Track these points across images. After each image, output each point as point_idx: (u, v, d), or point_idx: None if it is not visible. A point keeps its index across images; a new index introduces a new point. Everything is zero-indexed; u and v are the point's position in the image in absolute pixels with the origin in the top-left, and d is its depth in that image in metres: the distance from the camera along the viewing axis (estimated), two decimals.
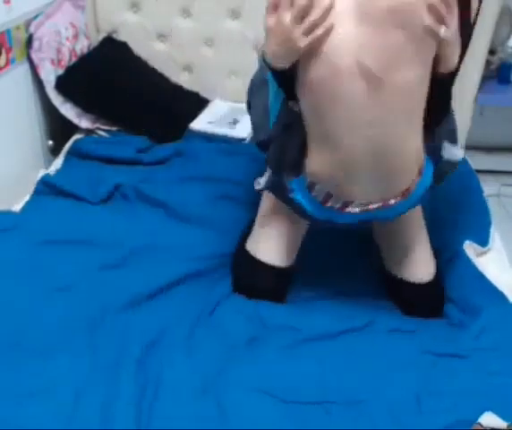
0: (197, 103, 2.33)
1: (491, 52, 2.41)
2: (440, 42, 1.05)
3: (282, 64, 1.10)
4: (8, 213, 1.65)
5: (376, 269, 1.51)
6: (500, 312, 1.36)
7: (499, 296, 1.42)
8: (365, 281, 1.51)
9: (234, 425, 1.06)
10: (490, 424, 1.04)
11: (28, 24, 1.97)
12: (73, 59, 2.19)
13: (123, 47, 2.30)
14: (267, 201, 1.44)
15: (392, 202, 1.20)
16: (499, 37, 2.41)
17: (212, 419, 1.07)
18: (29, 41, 1.97)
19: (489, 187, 2.24)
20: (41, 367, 1.14)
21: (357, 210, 1.21)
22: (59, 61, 2.11)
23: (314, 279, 1.49)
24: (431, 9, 1.00)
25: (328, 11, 1.01)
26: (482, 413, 1.06)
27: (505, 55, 2.52)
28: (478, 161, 2.32)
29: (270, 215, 1.42)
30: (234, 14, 2.24)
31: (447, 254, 1.55)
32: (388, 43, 1.02)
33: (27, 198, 1.76)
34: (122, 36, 2.32)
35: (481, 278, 1.48)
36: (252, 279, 1.42)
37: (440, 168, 1.28)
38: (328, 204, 1.22)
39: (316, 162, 1.19)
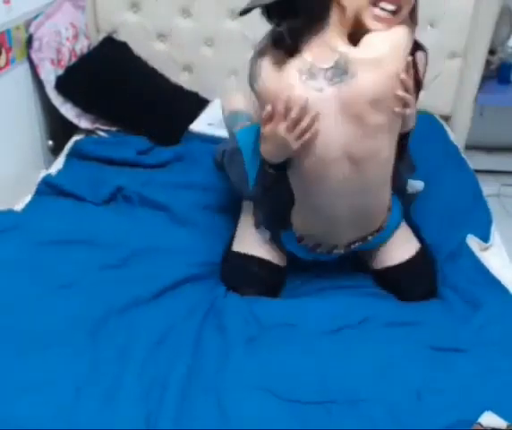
0: (197, 103, 2.33)
1: (491, 52, 2.41)
2: (403, 116, 1.27)
3: (276, 160, 1.31)
4: (9, 213, 1.65)
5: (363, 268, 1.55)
6: (503, 306, 1.37)
7: (502, 289, 1.42)
8: (359, 275, 1.53)
9: (235, 425, 1.06)
10: (490, 423, 1.04)
11: (28, 24, 1.97)
12: (73, 59, 2.20)
13: (123, 47, 2.30)
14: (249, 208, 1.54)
15: (370, 238, 1.44)
16: (499, 37, 2.41)
17: (213, 418, 1.07)
18: (29, 41, 1.97)
19: (489, 187, 2.25)
20: (44, 362, 1.15)
21: (342, 251, 1.45)
22: (59, 61, 2.11)
23: (307, 274, 1.52)
24: (399, 99, 1.22)
25: (314, 119, 1.21)
26: (482, 412, 1.06)
27: (505, 55, 2.51)
28: (478, 161, 2.33)
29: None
30: (234, 14, 2.24)
31: (449, 247, 1.56)
32: (369, 129, 1.22)
33: (28, 198, 1.77)
34: (122, 36, 2.32)
35: (484, 270, 1.48)
36: (243, 274, 1.46)
37: (406, 200, 1.52)
38: (317, 251, 1.45)
39: (303, 223, 1.40)
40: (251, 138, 1.44)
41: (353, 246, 1.45)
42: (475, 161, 2.15)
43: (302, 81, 1.20)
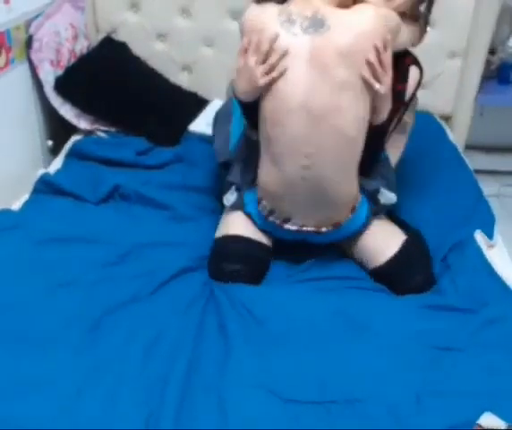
0: (196, 103, 2.33)
1: (491, 52, 2.41)
2: (374, 95, 1.30)
3: (247, 98, 1.36)
4: (7, 212, 1.65)
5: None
6: (504, 306, 1.36)
7: (505, 289, 1.41)
8: (352, 267, 1.53)
9: (235, 425, 1.06)
10: (489, 424, 1.04)
11: (28, 24, 1.97)
12: (73, 60, 2.19)
13: (123, 48, 2.30)
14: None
15: (323, 230, 1.44)
16: (499, 37, 2.41)
17: (214, 418, 1.07)
18: (29, 42, 1.97)
19: (489, 187, 2.24)
20: (43, 362, 1.15)
21: (294, 228, 1.45)
22: (58, 62, 2.11)
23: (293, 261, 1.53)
24: (369, 65, 1.26)
25: (282, 56, 1.27)
26: (481, 413, 1.06)
27: (505, 55, 2.51)
28: (478, 161, 2.33)
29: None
30: (234, 14, 2.24)
31: (455, 238, 1.56)
32: (333, 83, 1.26)
33: (26, 197, 1.76)
34: (121, 36, 2.32)
35: (489, 268, 1.48)
36: (228, 251, 1.48)
37: (378, 209, 1.52)
38: (271, 219, 1.46)
39: (265, 176, 1.42)
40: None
41: (305, 229, 1.44)
42: (475, 161, 2.15)
43: (280, 22, 1.28)
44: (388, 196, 1.51)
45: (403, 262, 1.47)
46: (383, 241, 1.49)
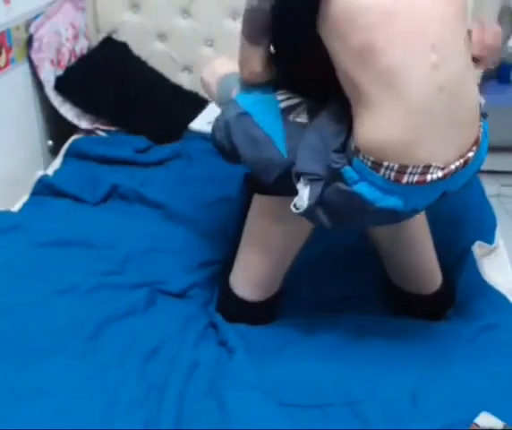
0: (196, 103, 2.33)
1: None
2: None
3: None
4: (6, 213, 1.65)
5: (381, 281, 1.50)
6: (500, 313, 1.37)
7: (500, 298, 1.42)
8: (354, 284, 1.52)
9: (234, 427, 1.06)
10: (486, 424, 1.04)
11: (28, 24, 1.97)
12: (73, 60, 2.20)
13: (123, 47, 2.30)
14: (254, 222, 1.36)
15: (470, 154, 1.07)
16: None
17: (213, 422, 1.07)
18: (29, 42, 1.97)
19: (489, 187, 2.24)
20: (41, 368, 1.13)
21: (439, 174, 1.03)
22: (59, 61, 2.11)
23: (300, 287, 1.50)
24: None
25: None
26: (478, 413, 1.06)
27: (505, 55, 2.51)
28: None
29: (258, 237, 1.35)
30: (234, 14, 2.24)
31: (456, 252, 1.56)
32: None
33: (26, 198, 1.76)
34: (122, 36, 2.32)
35: (483, 284, 1.48)
36: (237, 318, 1.37)
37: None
38: (404, 180, 1.02)
39: (376, 129, 1.02)
40: (256, 97, 1.23)
41: (452, 167, 1.03)
42: None
43: None
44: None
45: (431, 304, 1.42)
46: (424, 272, 1.40)
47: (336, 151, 1.07)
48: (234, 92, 1.30)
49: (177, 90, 2.33)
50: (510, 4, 2.39)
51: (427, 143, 1.02)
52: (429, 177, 1.02)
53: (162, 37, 2.33)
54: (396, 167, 1.01)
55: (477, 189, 1.86)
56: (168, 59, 2.35)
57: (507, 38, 2.48)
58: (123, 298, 1.35)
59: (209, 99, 2.33)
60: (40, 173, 1.88)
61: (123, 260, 1.49)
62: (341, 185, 1.05)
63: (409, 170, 1.02)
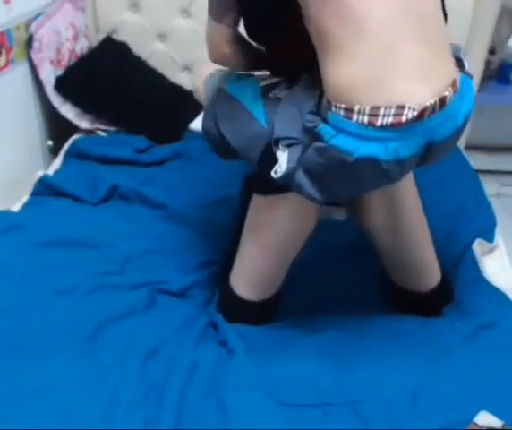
0: (196, 103, 2.32)
1: (491, 52, 2.41)
2: None
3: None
4: (7, 213, 1.65)
5: (380, 279, 1.50)
6: (500, 310, 1.37)
7: (500, 297, 1.42)
8: (354, 284, 1.52)
9: (234, 427, 1.06)
10: (485, 423, 1.04)
11: (28, 24, 1.97)
12: (73, 60, 2.19)
13: (123, 47, 2.30)
14: (254, 221, 1.36)
15: (446, 93, 1.02)
16: (499, 37, 2.41)
17: (213, 421, 1.07)
18: (30, 42, 1.97)
19: (489, 187, 2.24)
20: (40, 368, 1.13)
21: (414, 113, 0.98)
22: (59, 61, 2.11)
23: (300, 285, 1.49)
24: None
25: None
26: (477, 412, 1.06)
27: (505, 55, 2.52)
28: (478, 161, 2.32)
29: (257, 235, 1.35)
30: None
31: (455, 250, 1.56)
32: None
33: (26, 198, 1.76)
34: (122, 36, 2.32)
35: (483, 282, 1.48)
36: (238, 318, 1.37)
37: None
38: (378, 122, 0.98)
39: (342, 70, 1.00)
40: (238, 81, 1.28)
41: (428, 104, 0.99)
42: (475, 161, 2.15)
43: None
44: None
45: (433, 299, 1.42)
46: (424, 268, 1.41)
47: (310, 113, 1.06)
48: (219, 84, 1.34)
49: (177, 90, 2.33)
50: (510, 4, 2.39)
51: (396, 81, 0.99)
52: (404, 118, 0.98)
53: (162, 37, 2.34)
54: (367, 109, 0.98)
55: (477, 189, 1.86)
56: (168, 59, 2.35)
57: (508, 38, 2.49)
58: (124, 298, 1.35)
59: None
60: (41, 173, 1.88)
61: (123, 260, 1.49)
62: (319, 144, 1.04)
63: (382, 112, 0.98)
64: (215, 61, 1.28)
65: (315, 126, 1.05)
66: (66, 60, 2.16)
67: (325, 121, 1.04)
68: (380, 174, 1.04)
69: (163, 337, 1.26)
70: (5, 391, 1.08)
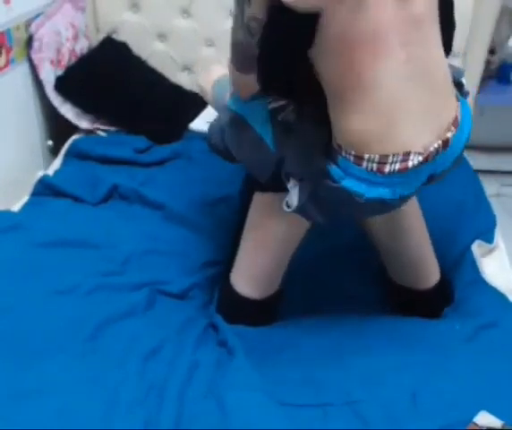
0: (196, 103, 2.33)
1: (491, 52, 2.41)
2: None
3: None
4: (7, 213, 1.65)
5: (381, 279, 1.50)
6: (499, 311, 1.37)
7: (500, 297, 1.42)
8: (354, 284, 1.52)
9: (234, 427, 1.06)
10: (485, 423, 1.04)
11: (28, 24, 1.97)
12: (73, 60, 2.20)
13: (123, 47, 2.30)
14: (254, 219, 1.38)
15: (449, 135, 1.08)
16: (499, 37, 2.41)
17: (213, 421, 1.07)
18: (30, 42, 1.97)
19: (489, 187, 2.24)
20: (40, 368, 1.13)
21: (420, 158, 1.04)
22: (59, 61, 2.11)
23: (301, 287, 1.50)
24: None
25: None
26: (477, 412, 1.06)
27: (505, 55, 2.52)
28: (478, 161, 2.32)
29: (258, 232, 1.37)
30: None
31: (455, 251, 1.56)
32: None
33: (26, 198, 1.76)
34: (122, 36, 2.32)
35: (483, 283, 1.48)
36: (238, 318, 1.37)
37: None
38: (386, 169, 1.04)
39: (351, 123, 1.04)
40: (250, 105, 1.26)
41: (432, 149, 1.05)
42: (475, 161, 2.15)
43: None
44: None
45: (432, 298, 1.43)
46: (422, 266, 1.42)
47: (321, 153, 1.11)
48: (227, 96, 1.36)
49: (177, 90, 2.33)
50: (510, 4, 2.39)
51: (403, 131, 1.04)
52: (410, 164, 1.04)
53: (162, 37, 2.34)
54: (376, 158, 1.03)
55: (477, 189, 1.86)
56: (168, 59, 2.35)
57: (508, 38, 2.49)
58: (124, 299, 1.35)
59: None
60: (41, 173, 1.88)
61: (123, 260, 1.49)
62: (329, 182, 1.08)
63: (390, 160, 1.04)
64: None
65: (325, 166, 1.09)
66: (66, 60, 2.16)
67: (335, 162, 1.08)
68: (385, 206, 1.13)
69: (163, 337, 1.26)
70: (5, 391, 1.08)
